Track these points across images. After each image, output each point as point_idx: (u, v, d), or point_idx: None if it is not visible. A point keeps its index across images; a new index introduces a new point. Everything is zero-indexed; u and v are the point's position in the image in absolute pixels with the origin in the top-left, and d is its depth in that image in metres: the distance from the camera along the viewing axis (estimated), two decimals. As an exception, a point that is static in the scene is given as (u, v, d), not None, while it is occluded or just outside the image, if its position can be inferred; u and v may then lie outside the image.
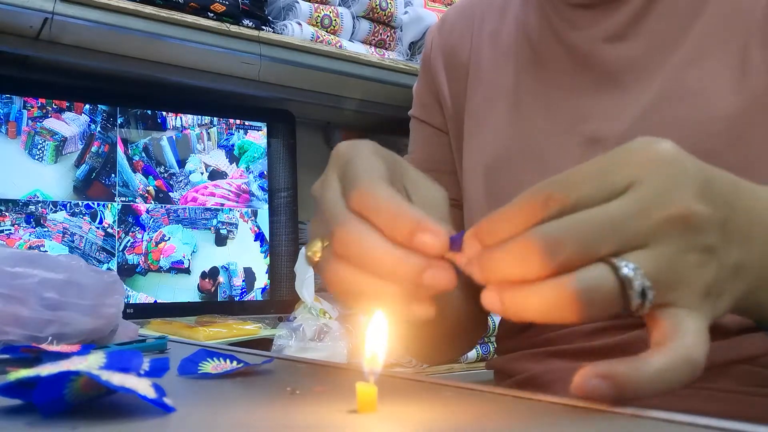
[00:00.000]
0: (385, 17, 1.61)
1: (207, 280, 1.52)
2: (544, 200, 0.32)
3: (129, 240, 1.45)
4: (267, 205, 1.62)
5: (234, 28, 1.36)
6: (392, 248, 0.34)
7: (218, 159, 1.58)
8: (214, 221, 1.55)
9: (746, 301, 0.37)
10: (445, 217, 0.41)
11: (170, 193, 1.51)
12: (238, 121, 1.61)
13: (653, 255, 0.31)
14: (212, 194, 1.56)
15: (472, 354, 1.45)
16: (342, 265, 0.36)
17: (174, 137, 1.54)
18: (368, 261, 0.35)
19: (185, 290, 1.50)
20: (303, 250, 1.35)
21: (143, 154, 1.50)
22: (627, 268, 0.31)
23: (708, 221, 0.33)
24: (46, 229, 1.36)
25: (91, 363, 0.31)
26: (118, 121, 1.48)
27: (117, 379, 0.29)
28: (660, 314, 0.32)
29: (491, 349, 1.49)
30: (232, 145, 1.60)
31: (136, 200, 1.47)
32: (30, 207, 1.35)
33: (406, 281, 0.34)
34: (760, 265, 0.36)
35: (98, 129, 1.45)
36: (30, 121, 1.38)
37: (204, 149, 1.57)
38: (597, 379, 0.31)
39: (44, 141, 1.39)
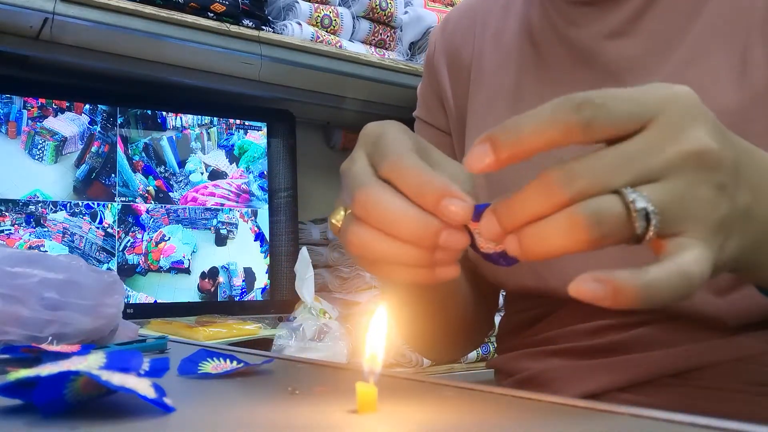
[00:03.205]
0: (385, 17, 1.61)
1: (207, 280, 1.52)
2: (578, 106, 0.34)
3: (129, 240, 1.45)
4: (267, 205, 1.62)
5: (234, 28, 1.36)
6: (411, 209, 0.35)
7: (218, 159, 1.58)
8: (214, 221, 1.55)
9: (749, 255, 0.37)
10: (469, 191, 0.42)
11: (170, 193, 1.51)
12: (238, 121, 1.61)
13: (664, 187, 0.32)
14: (212, 194, 1.56)
15: (472, 354, 1.45)
16: (362, 228, 0.37)
17: (174, 137, 1.54)
18: (387, 221, 0.36)
19: (185, 290, 1.50)
20: (303, 250, 1.35)
21: (143, 154, 1.50)
22: (633, 194, 0.32)
23: (721, 159, 0.34)
24: (46, 229, 1.36)
25: (91, 363, 0.31)
26: (118, 121, 1.48)
27: (117, 379, 0.29)
28: (667, 241, 0.33)
29: (491, 350, 1.49)
30: (232, 145, 1.60)
31: (136, 200, 1.47)
32: (30, 207, 1.35)
33: (423, 241, 0.35)
34: (765, 219, 0.37)
35: (98, 129, 1.45)
36: (30, 121, 1.37)
37: (204, 149, 1.57)
38: (595, 282, 0.31)
39: (44, 141, 1.39)
